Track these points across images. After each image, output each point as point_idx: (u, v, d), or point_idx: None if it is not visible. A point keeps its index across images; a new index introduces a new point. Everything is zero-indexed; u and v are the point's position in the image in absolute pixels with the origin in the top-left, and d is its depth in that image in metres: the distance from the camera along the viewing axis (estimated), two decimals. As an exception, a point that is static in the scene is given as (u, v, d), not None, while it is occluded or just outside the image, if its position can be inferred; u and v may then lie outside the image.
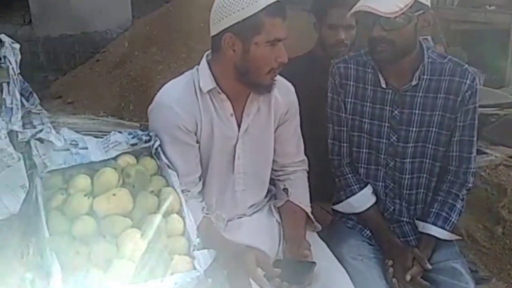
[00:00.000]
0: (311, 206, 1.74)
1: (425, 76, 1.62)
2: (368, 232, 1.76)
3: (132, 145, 1.49)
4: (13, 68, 1.37)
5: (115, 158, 1.47)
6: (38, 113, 1.43)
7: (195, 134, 1.53)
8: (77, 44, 5.06)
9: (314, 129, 1.82)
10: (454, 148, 1.67)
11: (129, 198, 1.37)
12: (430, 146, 1.67)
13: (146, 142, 1.51)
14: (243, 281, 1.39)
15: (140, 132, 1.52)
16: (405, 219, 1.75)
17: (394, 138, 1.68)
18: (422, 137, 1.66)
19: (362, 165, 1.76)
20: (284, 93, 1.65)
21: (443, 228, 1.68)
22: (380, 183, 1.75)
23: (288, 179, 1.74)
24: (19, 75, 1.43)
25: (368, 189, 1.75)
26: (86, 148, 1.44)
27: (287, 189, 1.72)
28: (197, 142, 1.55)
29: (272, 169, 1.74)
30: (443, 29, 5.12)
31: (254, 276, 1.35)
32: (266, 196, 1.76)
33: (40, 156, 1.35)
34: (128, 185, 1.41)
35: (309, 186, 1.93)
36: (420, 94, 1.63)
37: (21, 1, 4.82)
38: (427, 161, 1.69)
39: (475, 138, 1.68)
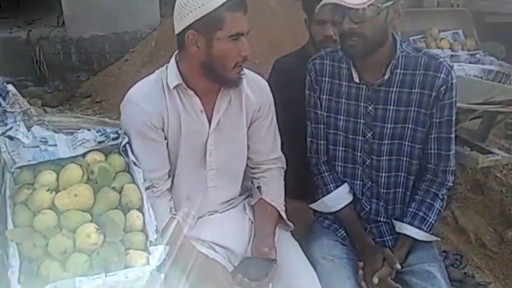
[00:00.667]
0: (286, 205, 1.74)
1: (398, 70, 1.58)
2: (342, 232, 1.74)
3: (100, 142, 1.54)
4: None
5: (83, 155, 1.53)
6: (12, 112, 1.51)
7: (163, 130, 1.56)
8: (108, 45, 5.24)
9: (305, 126, 1.81)
10: (431, 145, 1.62)
11: (90, 194, 1.42)
12: (406, 143, 1.63)
13: (113, 139, 1.55)
14: None
15: (108, 130, 1.57)
16: (382, 219, 1.72)
17: (369, 135, 1.65)
18: (398, 134, 1.62)
19: (339, 163, 1.74)
20: (256, 90, 1.65)
21: (420, 229, 1.63)
22: (358, 182, 1.72)
23: (262, 177, 1.74)
24: (-3, 76, 1.51)
25: (344, 188, 1.73)
26: (55, 145, 1.50)
27: (260, 186, 1.72)
28: (165, 138, 1.58)
29: (248, 167, 1.76)
30: (476, 22, 4.91)
31: None
32: (242, 194, 1.77)
33: (9, 152, 1.42)
34: (91, 181, 1.46)
35: (296, 184, 1.94)
36: (394, 89, 1.59)
37: (55, 3, 5.05)
38: (404, 158, 1.65)
39: (453, 135, 1.62)
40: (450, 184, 1.66)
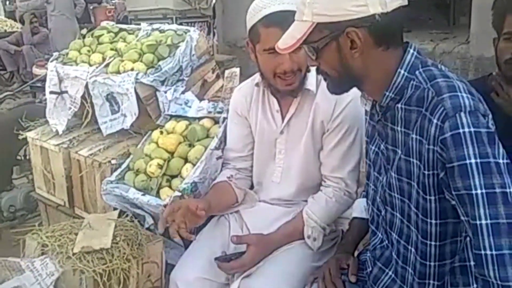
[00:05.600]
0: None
1: (401, 105, 1.15)
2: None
3: (209, 112, 2.01)
4: (182, 51, 2.16)
5: (200, 118, 2.05)
6: (185, 80, 2.17)
7: (246, 119, 1.84)
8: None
9: None
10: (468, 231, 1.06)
11: (174, 142, 1.95)
12: (413, 208, 1.17)
13: (218, 113, 1.99)
14: None
15: (220, 105, 2.00)
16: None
17: (384, 179, 1.29)
18: (406, 192, 1.18)
19: (369, 201, 1.43)
20: (330, 101, 1.63)
21: None
22: (378, 234, 1.40)
23: (320, 190, 1.71)
24: (194, 55, 2.21)
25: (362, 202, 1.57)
26: (190, 107, 2.09)
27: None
28: (250, 126, 1.84)
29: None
30: None
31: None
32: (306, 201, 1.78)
33: (163, 103, 2.12)
34: (184, 136, 1.98)
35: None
36: (400, 128, 1.18)
37: (465, 21, 5.14)
38: (413, 230, 1.19)
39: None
40: None
